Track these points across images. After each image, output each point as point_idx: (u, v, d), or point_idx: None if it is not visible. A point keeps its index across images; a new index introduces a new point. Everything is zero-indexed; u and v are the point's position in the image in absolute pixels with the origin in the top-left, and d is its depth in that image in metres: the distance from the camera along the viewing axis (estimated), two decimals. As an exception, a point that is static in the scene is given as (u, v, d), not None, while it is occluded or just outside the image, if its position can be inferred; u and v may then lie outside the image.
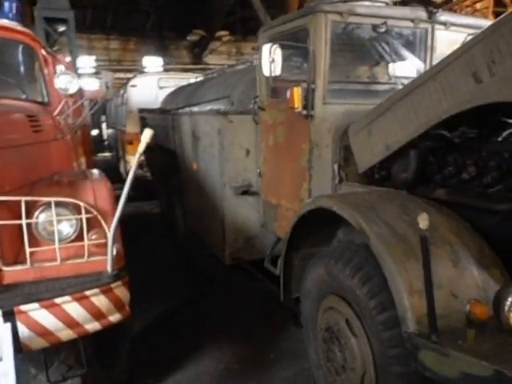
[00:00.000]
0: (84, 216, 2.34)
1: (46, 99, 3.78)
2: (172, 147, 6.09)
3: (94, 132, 20.39)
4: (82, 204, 2.35)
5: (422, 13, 3.51)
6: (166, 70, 19.13)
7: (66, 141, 3.68)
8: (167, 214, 6.96)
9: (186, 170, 5.49)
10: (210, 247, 4.87)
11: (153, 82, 10.16)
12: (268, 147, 3.92)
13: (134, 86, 10.34)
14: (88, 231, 2.40)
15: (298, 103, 3.16)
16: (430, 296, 1.84)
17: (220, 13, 19.89)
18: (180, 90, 7.69)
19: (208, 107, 5.05)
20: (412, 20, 3.46)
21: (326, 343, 2.65)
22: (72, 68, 5.84)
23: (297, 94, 3.15)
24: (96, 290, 2.24)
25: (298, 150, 3.42)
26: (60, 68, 4.71)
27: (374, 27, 3.34)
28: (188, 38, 21.92)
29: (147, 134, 2.23)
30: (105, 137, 18.54)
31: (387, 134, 2.72)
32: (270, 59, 3.25)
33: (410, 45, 3.57)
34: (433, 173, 2.76)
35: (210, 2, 19.20)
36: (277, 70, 3.28)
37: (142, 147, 2.25)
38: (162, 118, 6.75)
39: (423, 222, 1.82)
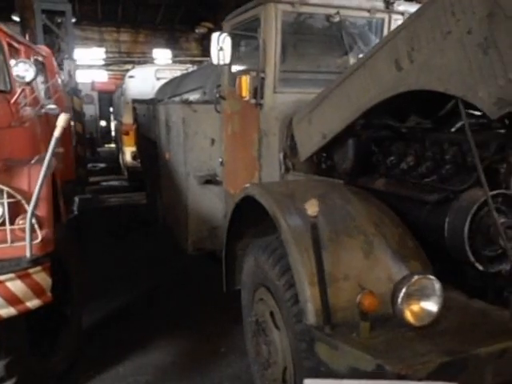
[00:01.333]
0: (6, 201, 2.34)
1: (8, 87, 3.81)
2: (153, 137, 6.10)
3: (103, 123, 20.66)
4: (5, 189, 2.36)
5: (378, 3, 3.44)
6: (175, 62, 19.25)
7: (24, 128, 3.69)
8: (151, 205, 7.00)
9: (162, 160, 5.50)
10: (177, 237, 4.87)
11: (150, 73, 10.17)
12: (228, 136, 3.89)
13: (131, 76, 10.39)
14: (17, 216, 2.41)
15: (245, 92, 3.13)
16: (322, 287, 1.80)
17: (228, 6, 19.89)
18: (171, 82, 7.71)
19: (185, 97, 5.05)
20: (368, 10, 3.39)
21: (255, 336, 2.62)
22: (50, 58, 5.83)
23: (245, 82, 3.12)
24: (11, 275, 2.24)
25: (250, 139, 3.39)
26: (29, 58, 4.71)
27: (328, 17, 3.28)
28: (196, 30, 21.94)
29: (62, 119, 2.22)
30: (112, 128, 18.76)
31: (324, 123, 2.68)
32: (218, 47, 3.22)
33: (366, 34, 3.50)
34: (378, 163, 2.71)
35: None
36: (226, 59, 3.25)
37: (57, 132, 2.24)
38: (146, 108, 6.77)
39: (311, 208, 1.77)
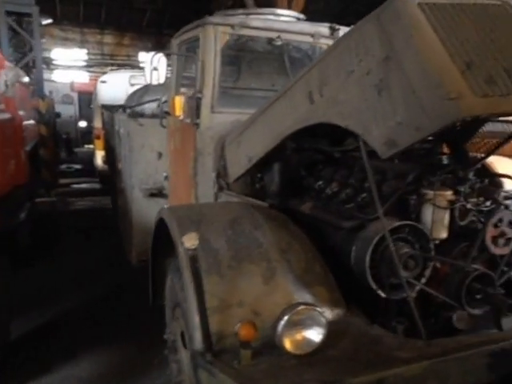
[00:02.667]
0: None
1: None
2: (112, 144, 6.12)
3: (83, 124, 20.51)
4: None
5: (323, 28, 3.53)
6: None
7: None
8: (113, 210, 7.00)
9: (116, 169, 5.52)
10: (124, 247, 4.89)
11: (124, 78, 10.17)
12: (171, 152, 3.93)
13: (103, 81, 10.39)
14: None
15: (178, 112, 3.19)
16: (202, 316, 1.84)
17: (215, 11, 19.91)
18: (140, 89, 7.73)
19: (141, 108, 5.09)
20: (312, 35, 3.48)
21: (170, 355, 2.65)
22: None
23: (178, 102, 3.18)
24: None
25: (187, 157, 3.44)
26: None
27: (270, 40, 3.36)
28: (183, 35, 21.92)
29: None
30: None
31: (250, 147, 2.74)
32: (152, 68, 3.27)
33: (310, 59, 3.58)
34: (308, 186, 2.78)
35: (210, 1, 19.24)
36: (160, 79, 3.30)
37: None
38: (108, 115, 6.79)
39: (190, 241, 1.81)
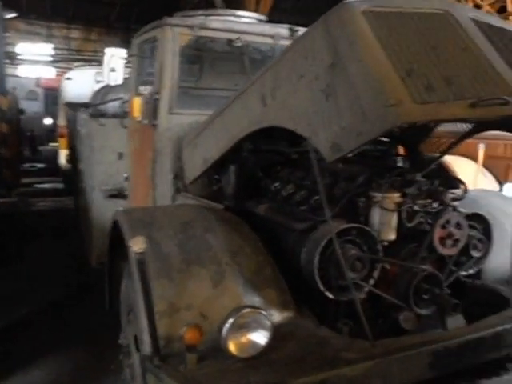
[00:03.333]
0: None
1: None
2: (75, 144, 6.02)
3: (48, 121, 20.02)
4: None
5: (283, 30, 3.55)
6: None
7: None
8: (76, 211, 6.87)
9: (77, 169, 5.43)
10: (84, 248, 4.82)
11: (90, 75, 9.99)
12: (131, 152, 3.89)
13: (69, 78, 10.19)
14: None
15: (137, 113, 3.16)
16: (150, 320, 1.84)
17: (185, 7, 19.80)
18: (105, 87, 7.61)
19: (104, 107, 5.01)
20: (271, 36, 3.49)
21: (124, 360, 2.63)
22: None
23: (137, 103, 3.15)
24: None
25: (146, 158, 3.41)
26: None
27: (230, 42, 3.36)
28: (151, 31, 21.67)
29: None
30: (59, 127, 18.14)
31: (206, 148, 2.74)
32: (109, 68, 3.23)
33: (270, 60, 3.59)
34: (265, 188, 2.79)
35: (178, -3, 19.11)
36: (118, 79, 3.27)
37: None
38: (71, 113, 6.67)
39: (137, 245, 1.81)
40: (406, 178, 2.30)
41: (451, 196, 2.35)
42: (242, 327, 1.79)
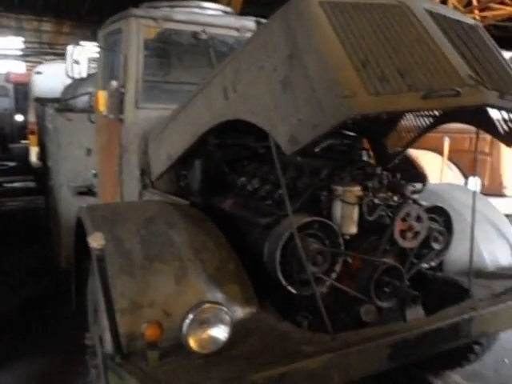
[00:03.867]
0: None
1: None
2: (44, 140, 5.90)
3: (19, 118, 19.54)
4: None
5: (249, 22, 3.54)
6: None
7: None
8: (46, 210, 6.75)
9: (46, 166, 5.33)
10: (53, 249, 4.74)
11: (61, 69, 9.74)
12: (99, 148, 3.83)
13: (39, 73, 9.95)
14: None
15: (102, 107, 3.10)
16: (111, 317, 1.81)
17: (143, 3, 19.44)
18: (74, 82, 7.46)
19: (73, 102, 4.92)
20: (237, 29, 3.47)
21: (90, 360, 2.59)
22: None
23: (101, 97, 3.09)
24: None
25: (113, 154, 3.36)
26: None
27: (195, 34, 3.32)
28: (125, 25, 21.32)
29: None
30: (30, 124, 17.71)
31: (170, 143, 2.72)
32: (72, 60, 3.17)
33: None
34: (232, 183, 2.78)
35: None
36: (82, 72, 3.21)
37: None
38: (40, 109, 6.53)
39: (96, 241, 1.78)
40: (367, 172, 2.32)
41: (411, 189, 2.38)
42: (202, 323, 1.79)
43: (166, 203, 2.54)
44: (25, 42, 20.21)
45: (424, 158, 4.52)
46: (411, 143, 2.92)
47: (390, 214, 2.31)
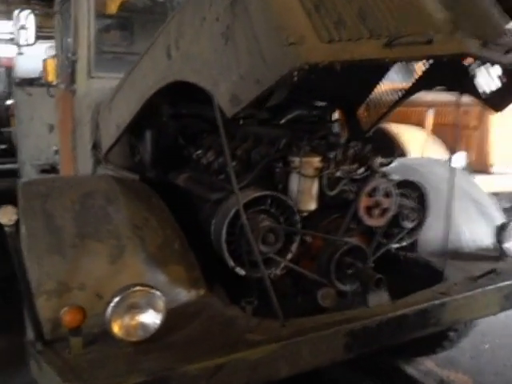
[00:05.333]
0: None
1: None
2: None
3: (10, 102, 19.27)
4: None
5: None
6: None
7: None
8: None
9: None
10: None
11: (41, 49, 9.46)
12: (58, 123, 3.59)
13: (20, 53, 9.64)
14: None
15: (52, 77, 2.87)
16: (29, 300, 1.61)
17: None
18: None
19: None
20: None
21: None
22: None
23: (50, 66, 2.85)
24: None
25: (67, 128, 3.13)
26: None
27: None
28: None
29: None
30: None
31: (118, 113, 2.47)
32: (19, 26, 2.92)
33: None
34: (188, 157, 2.55)
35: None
36: (30, 39, 2.96)
37: None
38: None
39: (6, 216, 1.54)
40: (330, 142, 2.09)
41: (379, 161, 2.14)
42: (129, 307, 1.57)
43: (109, 177, 2.30)
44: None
45: (405, 133, 4.26)
46: (386, 114, 2.70)
47: (352, 189, 2.09)
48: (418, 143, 4.11)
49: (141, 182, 2.35)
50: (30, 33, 2.96)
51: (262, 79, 1.49)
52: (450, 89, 2.31)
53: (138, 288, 1.60)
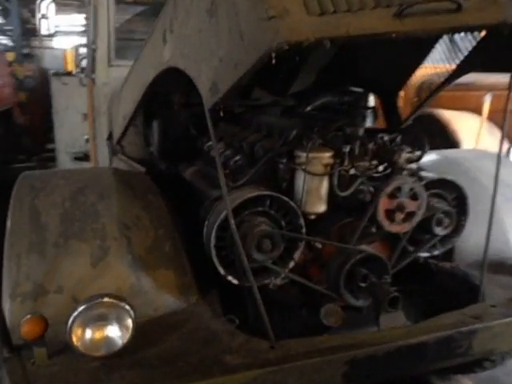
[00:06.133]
0: None
1: None
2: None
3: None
4: None
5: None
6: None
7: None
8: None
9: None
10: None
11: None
12: (88, 112, 3.53)
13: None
14: None
15: (71, 66, 2.79)
16: None
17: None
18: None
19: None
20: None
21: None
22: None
23: (70, 56, 2.77)
24: None
25: (90, 117, 3.05)
26: None
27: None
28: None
29: None
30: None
31: (125, 102, 2.34)
32: (40, 15, 2.86)
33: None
34: (201, 149, 2.36)
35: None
36: (51, 28, 2.89)
37: None
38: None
39: None
40: (346, 133, 1.80)
41: (406, 156, 1.83)
42: (94, 319, 1.41)
43: (110, 171, 2.15)
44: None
45: (458, 120, 3.75)
46: (426, 101, 2.35)
47: (370, 189, 1.79)
48: (472, 132, 3.61)
49: (144, 176, 2.18)
50: (51, 22, 2.90)
51: (239, 63, 1.26)
52: (502, 69, 1.92)
53: (106, 299, 1.44)
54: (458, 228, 2.00)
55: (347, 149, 1.74)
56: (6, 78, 6.90)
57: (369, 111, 2.42)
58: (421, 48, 2.23)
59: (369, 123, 2.39)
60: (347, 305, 1.74)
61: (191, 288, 1.75)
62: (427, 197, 1.87)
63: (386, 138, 1.89)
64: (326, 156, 1.72)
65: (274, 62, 1.17)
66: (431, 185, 1.92)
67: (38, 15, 2.90)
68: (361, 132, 1.81)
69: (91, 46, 2.76)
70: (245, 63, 1.24)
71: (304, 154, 1.71)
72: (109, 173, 2.10)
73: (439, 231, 1.91)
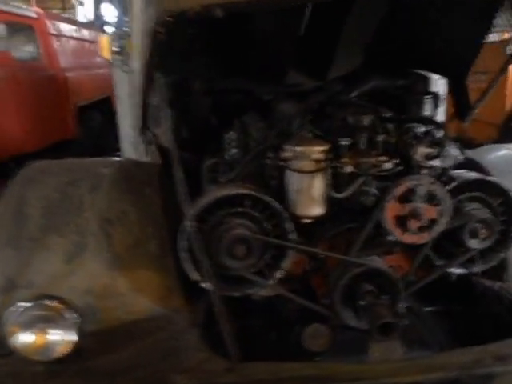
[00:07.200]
0: None
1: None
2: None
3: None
4: None
5: None
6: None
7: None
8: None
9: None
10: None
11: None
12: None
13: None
14: None
15: (107, 52, 2.75)
16: None
17: None
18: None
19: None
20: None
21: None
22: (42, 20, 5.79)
23: (105, 42, 2.73)
24: None
25: (129, 106, 3.01)
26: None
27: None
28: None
29: None
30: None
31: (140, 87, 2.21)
32: (78, 2, 2.85)
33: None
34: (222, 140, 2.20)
35: None
36: (88, 14, 2.88)
37: None
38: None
39: None
40: (348, 123, 1.51)
41: (426, 152, 1.48)
42: (33, 322, 1.33)
43: (112, 161, 2.06)
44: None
45: None
46: (495, 81, 1.92)
47: (374, 191, 1.48)
48: None
49: (151, 168, 2.06)
50: (88, 9, 2.90)
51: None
52: None
53: (48, 302, 1.35)
54: (505, 241, 1.61)
55: (345, 142, 1.45)
56: (106, 67, 7.37)
57: (426, 97, 2.03)
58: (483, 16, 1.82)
59: (427, 111, 2.02)
60: (343, 325, 1.47)
61: (174, 292, 1.59)
62: (459, 202, 1.52)
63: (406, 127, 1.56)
64: (316, 150, 1.44)
65: None
66: (468, 187, 1.55)
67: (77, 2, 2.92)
68: (368, 120, 1.50)
69: (128, 32, 2.70)
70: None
71: (291, 148, 1.46)
72: (109, 164, 2.01)
73: (474, 244, 1.54)
